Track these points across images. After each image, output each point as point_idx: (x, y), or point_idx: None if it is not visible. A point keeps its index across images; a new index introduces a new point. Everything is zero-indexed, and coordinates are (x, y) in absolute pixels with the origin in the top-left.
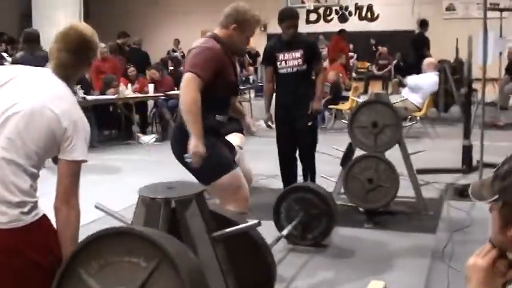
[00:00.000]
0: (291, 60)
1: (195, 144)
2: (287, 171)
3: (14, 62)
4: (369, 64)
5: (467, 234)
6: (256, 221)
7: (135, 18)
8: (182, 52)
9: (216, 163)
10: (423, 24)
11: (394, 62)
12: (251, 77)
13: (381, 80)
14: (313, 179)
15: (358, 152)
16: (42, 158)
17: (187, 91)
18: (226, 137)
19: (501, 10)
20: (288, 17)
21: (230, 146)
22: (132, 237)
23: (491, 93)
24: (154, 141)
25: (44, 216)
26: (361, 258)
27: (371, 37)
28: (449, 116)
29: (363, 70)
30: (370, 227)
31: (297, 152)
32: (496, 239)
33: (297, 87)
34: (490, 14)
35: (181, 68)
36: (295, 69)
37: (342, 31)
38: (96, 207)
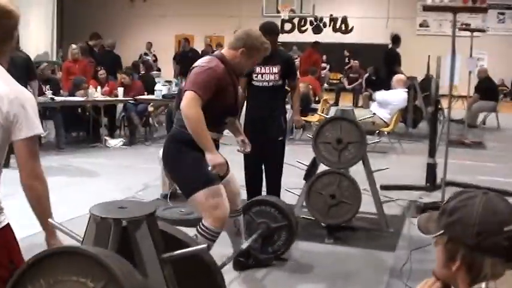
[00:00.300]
0: (267, 75)
1: (212, 158)
2: (252, 184)
3: None
4: (341, 76)
5: (426, 253)
6: (204, 245)
7: (110, 20)
8: (154, 56)
9: (195, 177)
10: (395, 40)
11: (366, 75)
12: None
13: (351, 93)
14: (278, 193)
15: (322, 167)
16: None
17: (191, 110)
18: None
19: (471, 31)
20: (267, 32)
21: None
22: (80, 257)
23: (461, 110)
24: (122, 145)
25: (8, 225)
26: (319, 273)
27: (345, 49)
28: (416, 132)
29: (335, 81)
30: (330, 242)
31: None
32: (440, 273)
33: (270, 101)
34: (461, 32)
35: (153, 72)
36: (271, 83)
37: (315, 43)
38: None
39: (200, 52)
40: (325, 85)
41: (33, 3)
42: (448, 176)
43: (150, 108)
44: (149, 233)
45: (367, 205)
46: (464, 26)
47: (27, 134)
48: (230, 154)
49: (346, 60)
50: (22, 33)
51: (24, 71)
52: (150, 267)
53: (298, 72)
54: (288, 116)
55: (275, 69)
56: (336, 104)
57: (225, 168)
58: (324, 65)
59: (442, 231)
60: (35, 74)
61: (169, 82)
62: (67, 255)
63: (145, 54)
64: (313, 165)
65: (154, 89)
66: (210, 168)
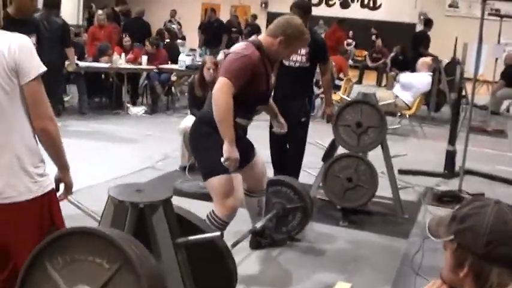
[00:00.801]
0: (295, 55)
1: (228, 150)
2: (277, 161)
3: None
4: (366, 53)
5: (439, 243)
6: (218, 233)
7: None
8: (179, 23)
9: (214, 162)
10: (427, 23)
11: (392, 54)
12: None
13: (375, 71)
14: (296, 174)
15: (341, 149)
16: None
17: (221, 96)
18: None
19: (501, 16)
20: (296, 6)
21: (249, 148)
22: (97, 238)
23: (485, 96)
24: (143, 113)
25: (52, 190)
26: (331, 256)
27: (372, 26)
28: (439, 116)
29: (360, 58)
30: (345, 225)
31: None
32: (447, 277)
33: (295, 82)
34: (490, 17)
35: (177, 41)
36: (297, 64)
37: (341, 21)
38: (70, 201)
39: (225, 22)
40: (350, 61)
41: None
42: (467, 164)
43: (173, 78)
44: (165, 218)
45: (383, 189)
46: (494, 12)
47: (33, 75)
48: (257, 129)
49: (373, 38)
50: None
51: (60, 36)
52: (165, 251)
53: None
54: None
55: (303, 51)
56: (360, 82)
57: (236, 165)
58: (349, 41)
59: (452, 237)
60: (70, 41)
61: (194, 50)
62: (85, 236)
63: (170, 21)
64: (332, 147)
65: (178, 59)
66: (222, 159)
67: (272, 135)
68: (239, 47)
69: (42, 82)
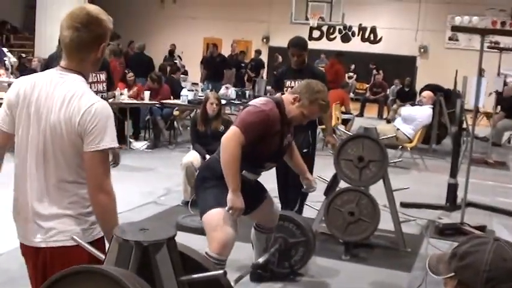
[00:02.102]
0: None
1: (232, 199)
2: (283, 195)
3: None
4: (367, 86)
5: None
6: (222, 271)
7: (139, 21)
8: (179, 57)
9: (207, 202)
10: None
11: (396, 86)
12: (247, 92)
13: (376, 104)
14: (301, 207)
15: (343, 183)
16: None
17: (229, 145)
18: None
19: (500, 49)
20: (292, 45)
21: (258, 193)
22: (102, 277)
23: (486, 127)
24: (146, 148)
25: (102, 238)
26: None
27: (372, 59)
28: (440, 148)
29: (361, 91)
30: (347, 259)
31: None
32: None
33: None
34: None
35: (178, 75)
36: None
37: (339, 54)
38: (73, 239)
39: (227, 57)
40: (351, 94)
41: (66, 2)
42: (468, 196)
43: (176, 112)
44: (169, 256)
45: (385, 222)
46: (493, 44)
47: (99, 147)
48: None
49: (374, 72)
50: (53, 30)
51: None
52: None
53: None
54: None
55: None
56: (361, 115)
57: (240, 213)
58: (350, 74)
59: (452, 274)
60: None
61: (196, 85)
62: (90, 275)
63: (171, 56)
64: (334, 181)
65: (181, 94)
66: (226, 208)
67: (278, 169)
68: (260, 101)
69: (107, 154)
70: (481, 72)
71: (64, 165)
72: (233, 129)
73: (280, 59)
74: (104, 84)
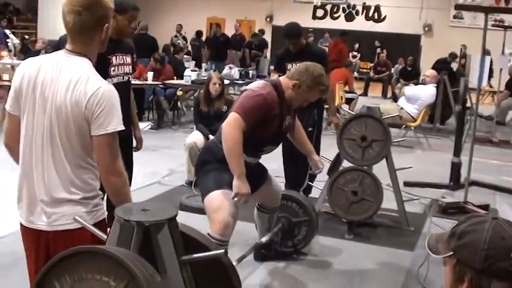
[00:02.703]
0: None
1: (238, 185)
2: (289, 174)
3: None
4: (371, 65)
5: None
6: (222, 250)
7: (142, 2)
8: (184, 38)
9: (208, 182)
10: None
11: (400, 67)
12: (250, 72)
13: (380, 83)
14: (309, 186)
15: (346, 163)
16: None
17: (231, 131)
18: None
19: (505, 28)
20: (285, 36)
21: (259, 174)
22: (104, 257)
23: (490, 106)
24: (149, 129)
25: (104, 220)
26: (337, 270)
27: (376, 38)
28: (444, 128)
29: (365, 70)
30: (350, 238)
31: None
32: None
33: None
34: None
35: (182, 55)
36: None
37: (343, 33)
38: (75, 219)
39: (230, 37)
40: (355, 74)
41: None
42: (472, 175)
43: (179, 93)
44: (170, 236)
45: (389, 201)
46: (497, 23)
47: (108, 130)
48: None
49: (378, 51)
50: (56, 13)
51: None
52: (170, 269)
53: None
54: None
55: None
56: (365, 94)
57: (247, 199)
58: (355, 53)
59: (451, 253)
60: None
61: (199, 68)
62: (92, 255)
63: (175, 36)
64: (337, 161)
65: (184, 74)
66: (232, 195)
67: (284, 148)
68: (257, 84)
69: (116, 136)
70: (484, 51)
71: (69, 150)
72: (233, 115)
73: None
74: (130, 66)
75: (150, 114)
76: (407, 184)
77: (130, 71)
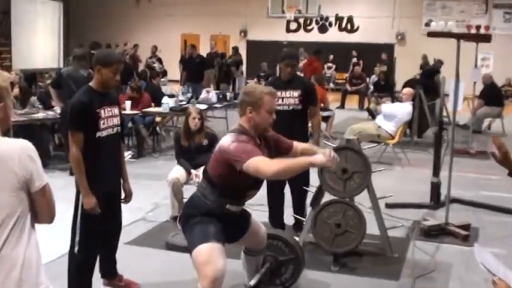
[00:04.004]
0: (287, 99)
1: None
2: (275, 208)
3: (60, 76)
4: (347, 75)
5: (430, 281)
6: None
7: (115, 23)
8: (159, 60)
9: (194, 237)
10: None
11: (374, 79)
12: (228, 94)
13: (357, 95)
14: (302, 215)
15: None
16: None
17: (268, 169)
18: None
19: (477, 41)
20: (288, 57)
21: (242, 221)
22: None
23: (466, 112)
24: (130, 158)
25: None
26: None
27: (351, 48)
28: (422, 141)
29: (341, 81)
30: (336, 270)
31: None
32: None
33: (291, 124)
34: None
35: (159, 80)
36: (291, 107)
37: (317, 52)
38: None
39: (206, 55)
40: (331, 85)
41: (39, 13)
42: (452, 192)
43: (158, 119)
44: None
45: (373, 226)
46: (469, 33)
47: (40, 185)
48: None
49: (355, 60)
50: (30, 42)
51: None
52: None
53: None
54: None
55: (295, 94)
56: (342, 106)
57: (336, 162)
58: (330, 64)
59: None
60: None
61: (176, 82)
62: None
63: (150, 57)
64: (319, 193)
65: (162, 101)
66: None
67: (269, 181)
68: (230, 138)
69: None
70: (458, 75)
71: None
72: (251, 161)
73: (265, 67)
74: (118, 118)
75: (129, 141)
76: (388, 206)
77: (119, 123)
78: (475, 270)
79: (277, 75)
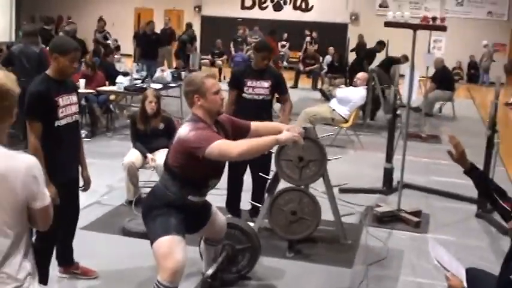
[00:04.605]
0: (258, 89)
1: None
2: (233, 193)
3: (10, 53)
4: (300, 54)
5: (382, 268)
6: None
7: None
8: (108, 33)
9: (155, 228)
10: (380, 43)
11: (329, 60)
12: (183, 73)
13: (310, 75)
14: (261, 201)
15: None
16: None
17: (233, 150)
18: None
19: (431, 29)
20: (265, 48)
21: (203, 211)
22: None
23: (419, 95)
24: (84, 137)
25: None
26: None
27: (305, 27)
28: (375, 124)
29: (294, 60)
30: (291, 256)
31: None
32: None
33: (259, 114)
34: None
35: (112, 58)
36: (261, 97)
37: (272, 32)
38: None
39: (160, 31)
40: (285, 63)
41: None
42: (404, 177)
43: (112, 97)
44: None
45: (328, 212)
46: (426, 24)
47: (42, 205)
48: None
49: (308, 39)
50: None
51: (37, 65)
52: None
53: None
54: None
55: (266, 84)
56: (296, 86)
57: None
58: (284, 43)
59: None
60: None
61: (129, 56)
62: None
63: (100, 32)
64: (275, 180)
65: (116, 81)
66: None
67: (232, 167)
68: (188, 127)
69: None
70: (413, 67)
71: None
72: (214, 146)
73: (219, 44)
74: (77, 105)
75: (83, 119)
76: (342, 191)
77: (77, 110)
78: (427, 258)
79: (232, 53)
